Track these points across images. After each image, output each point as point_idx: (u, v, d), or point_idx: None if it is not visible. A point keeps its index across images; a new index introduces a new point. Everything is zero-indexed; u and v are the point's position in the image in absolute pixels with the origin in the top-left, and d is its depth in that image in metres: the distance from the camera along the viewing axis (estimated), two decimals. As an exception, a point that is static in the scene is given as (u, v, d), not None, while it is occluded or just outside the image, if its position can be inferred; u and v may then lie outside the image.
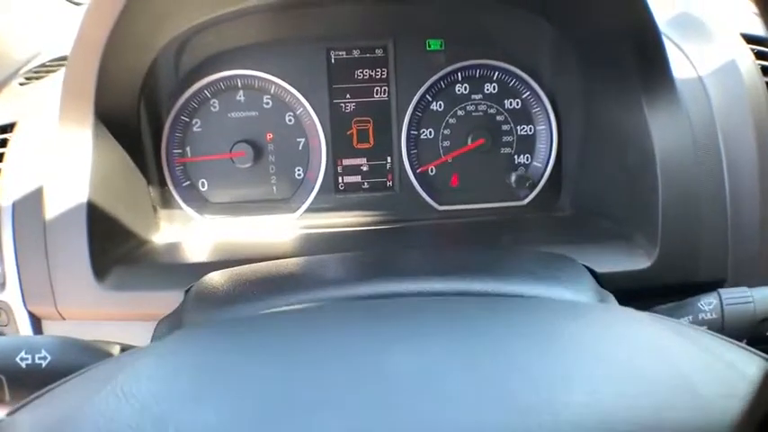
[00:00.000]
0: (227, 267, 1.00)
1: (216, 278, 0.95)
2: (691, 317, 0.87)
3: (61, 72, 1.32)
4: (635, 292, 0.96)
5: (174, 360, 0.61)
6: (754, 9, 1.30)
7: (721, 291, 0.89)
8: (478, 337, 0.61)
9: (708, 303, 0.88)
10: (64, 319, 1.11)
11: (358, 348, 0.61)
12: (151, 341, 0.89)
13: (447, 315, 0.70)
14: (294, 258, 1.01)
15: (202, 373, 0.58)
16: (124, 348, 0.86)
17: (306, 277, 0.94)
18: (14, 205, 1.11)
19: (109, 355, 0.83)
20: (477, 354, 0.57)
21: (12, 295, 1.11)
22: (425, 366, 0.55)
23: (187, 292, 0.98)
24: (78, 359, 0.79)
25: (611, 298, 0.90)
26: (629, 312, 0.72)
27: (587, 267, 0.98)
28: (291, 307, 0.80)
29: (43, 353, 0.77)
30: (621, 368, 0.55)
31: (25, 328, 1.13)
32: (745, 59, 1.23)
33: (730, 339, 0.64)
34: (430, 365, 0.55)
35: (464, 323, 0.66)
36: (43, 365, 0.77)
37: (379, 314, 0.71)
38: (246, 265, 0.98)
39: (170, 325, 0.88)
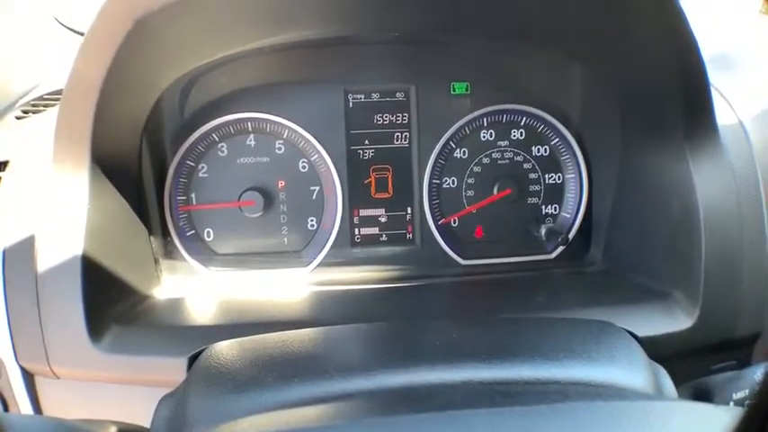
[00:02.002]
0: (235, 331, 0.94)
1: (224, 353, 0.86)
2: (748, 390, 0.83)
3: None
4: (673, 354, 0.94)
5: None
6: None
7: None
8: None
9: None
10: (58, 377, 1.05)
11: None
12: (152, 422, 0.79)
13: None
14: (311, 331, 0.92)
15: None
16: (121, 430, 0.78)
17: (326, 359, 0.84)
18: (5, 253, 1.06)
19: (103, 440, 0.74)
20: None
21: (3, 349, 1.06)
22: None
23: (191, 360, 0.90)
24: None
25: (664, 373, 0.85)
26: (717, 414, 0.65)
27: (630, 333, 0.92)
28: (315, 412, 0.69)
29: (29, 438, 0.70)
30: None
31: (18, 383, 1.07)
32: None
33: None
34: None
35: None
36: None
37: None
38: (257, 337, 0.90)
39: (173, 409, 0.78)
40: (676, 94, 1.08)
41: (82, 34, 1.61)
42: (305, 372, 0.77)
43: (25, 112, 1.35)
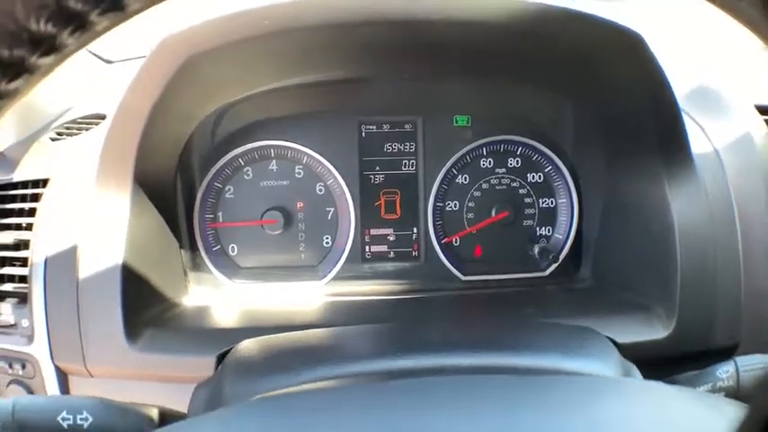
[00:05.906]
0: (256, 333, 1.01)
1: (251, 347, 0.95)
2: (710, 385, 0.89)
3: (95, 129, 1.35)
4: (653, 361, 0.97)
5: None
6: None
7: (737, 359, 0.90)
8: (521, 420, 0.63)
9: (725, 371, 0.89)
10: (92, 376, 1.12)
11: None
12: (190, 406, 0.89)
13: (491, 394, 0.70)
14: (325, 330, 1.02)
15: None
16: (162, 412, 0.85)
17: (338, 349, 0.95)
18: (47, 261, 1.13)
19: (149, 418, 0.83)
20: None
21: (39, 349, 1.13)
22: None
23: (219, 357, 0.99)
24: (119, 422, 0.80)
25: (635, 369, 0.92)
26: (660, 388, 0.74)
27: (610, 339, 1.00)
28: (330, 383, 0.81)
29: (85, 414, 0.78)
30: None
31: (52, 382, 1.14)
32: (760, 131, 1.27)
33: None
34: None
35: (508, 404, 0.68)
36: (85, 426, 0.77)
37: (421, 395, 0.70)
38: (280, 335, 0.99)
39: (210, 393, 0.87)
40: (652, 127, 1.18)
41: (108, 61, 1.68)
42: (320, 358, 0.87)
43: (60, 134, 1.39)
